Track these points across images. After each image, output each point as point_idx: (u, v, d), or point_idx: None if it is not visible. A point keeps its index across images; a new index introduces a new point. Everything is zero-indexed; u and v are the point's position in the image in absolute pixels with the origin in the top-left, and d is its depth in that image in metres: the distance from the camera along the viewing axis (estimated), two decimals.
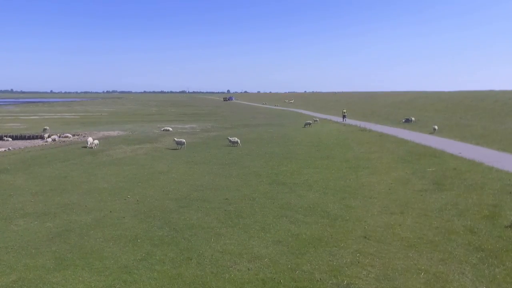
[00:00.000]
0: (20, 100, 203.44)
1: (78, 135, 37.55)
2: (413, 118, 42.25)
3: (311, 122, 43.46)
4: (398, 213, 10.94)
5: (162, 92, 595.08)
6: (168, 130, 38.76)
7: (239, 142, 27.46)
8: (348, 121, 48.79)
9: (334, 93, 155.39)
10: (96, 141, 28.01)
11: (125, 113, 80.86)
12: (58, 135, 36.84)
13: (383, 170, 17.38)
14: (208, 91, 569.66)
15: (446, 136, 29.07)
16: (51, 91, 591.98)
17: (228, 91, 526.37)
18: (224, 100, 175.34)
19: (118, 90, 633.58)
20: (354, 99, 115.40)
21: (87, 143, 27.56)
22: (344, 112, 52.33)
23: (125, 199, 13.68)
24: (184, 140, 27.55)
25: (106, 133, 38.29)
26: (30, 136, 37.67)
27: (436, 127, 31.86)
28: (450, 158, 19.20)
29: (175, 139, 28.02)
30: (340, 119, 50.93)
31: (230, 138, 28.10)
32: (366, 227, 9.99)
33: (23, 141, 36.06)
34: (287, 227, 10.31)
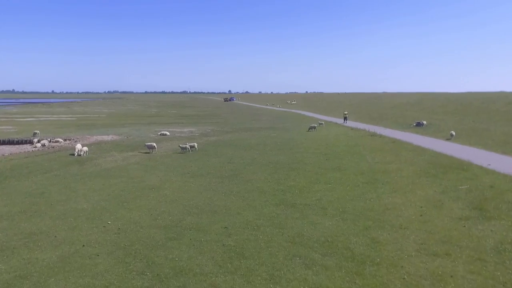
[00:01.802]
0: (21, 100, 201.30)
1: (69, 140, 35.36)
2: (424, 122, 39.91)
3: (315, 125, 41.20)
4: (443, 255, 8.64)
5: (163, 92, 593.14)
6: (165, 135, 36.52)
7: (190, 147, 26.30)
8: (354, 124, 46.51)
9: (338, 94, 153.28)
10: (85, 148, 25.80)
11: (123, 114, 78.74)
12: (49, 139, 34.64)
13: (407, 187, 15.08)
14: (210, 91, 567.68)
15: (466, 143, 26.73)
16: (53, 91, 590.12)
17: (230, 91, 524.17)
18: (224, 101, 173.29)
19: (120, 90, 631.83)
20: (358, 100, 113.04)
21: (75, 151, 25.34)
22: (346, 114, 51.05)
23: (104, 226, 11.43)
24: (155, 144, 26.65)
25: (99, 137, 36.09)
26: (19, 140, 35.46)
27: (453, 132, 29.48)
28: (480, 171, 16.87)
29: (146, 144, 27.06)
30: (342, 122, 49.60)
31: (181, 145, 26.86)
32: (405, 277, 7.71)
33: (11, 146, 33.88)
34: (303, 274, 8.03)
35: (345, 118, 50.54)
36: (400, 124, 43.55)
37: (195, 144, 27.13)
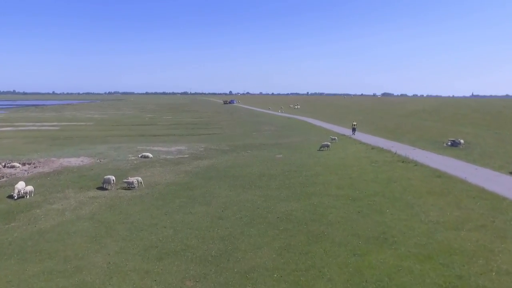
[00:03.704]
0: (17, 103, 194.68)
1: (29, 164, 28.70)
2: (461, 141, 33.09)
3: (328, 143, 34.43)
4: None
5: (164, 93, 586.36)
6: (147, 157, 29.87)
7: (139, 182, 20.85)
8: (371, 138, 39.94)
9: (343, 98, 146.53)
10: (28, 188, 19.22)
11: (114, 122, 72.11)
12: (3, 164, 28.08)
13: None
14: (210, 92, 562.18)
15: None
16: (53, 92, 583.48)
17: (230, 92, 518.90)
18: (224, 103, 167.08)
19: (120, 91, 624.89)
20: (366, 104, 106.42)
21: (14, 192, 18.76)
22: (354, 125, 45.91)
23: None
24: (113, 178, 20.73)
25: (66, 161, 29.44)
26: None
27: None
28: None
29: (104, 177, 21.16)
30: (359, 134, 43.53)
31: (126, 180, 21.01)
32: None
33: None
34: None
35: (353, 129, 45.36)
36: (429, 141, 36.77)
37: (140, 179, 21.14)
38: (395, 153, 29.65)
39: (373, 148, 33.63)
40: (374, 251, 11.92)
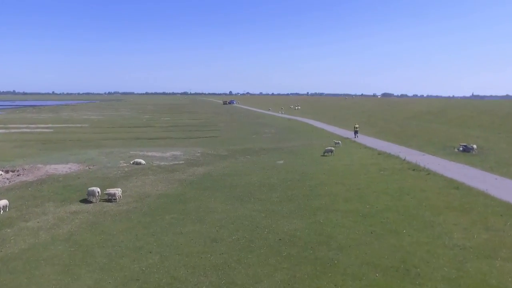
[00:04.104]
0: (16, 103, 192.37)
1: (12, 172, 26.84)
2: (474, 146, 31.16)
3: (332, 148, 32.58)
4: None
5: (164, 93, 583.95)
6: (140, 164, 27.99)
7: (117, 194, 18.84)
8: (377, 143, 38.14)
9: (345, 98, 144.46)
10: (2, 203, 17.36)
11: (110, 123, 70.24)
12: None
13: None
14: (210, 92, 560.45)
15: None
16: (53, 92, 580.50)
17: (230, 92, 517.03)
18: (224, 104, 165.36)
19: (120, 91, 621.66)
20: (368, 105, 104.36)
21: None
22: (356, 128, 44.15)
23: None
24: (98, 190, 18.75)
25: (53, 167, 27.55)
26: None
27: None
28: None
29: (88, 189, 19.28)
30: (362, 137, 41.84)
31: (107, 192, 19.08)
32: None
33: None
34: None
35: (355, 132, 43.75)
36: (438, 146, 34.85)
37: (120, 191, 19.28)
38: (404, 160, 27.77)
39: (379, 153, 31.73)
40: (395, 287, 10.02)
